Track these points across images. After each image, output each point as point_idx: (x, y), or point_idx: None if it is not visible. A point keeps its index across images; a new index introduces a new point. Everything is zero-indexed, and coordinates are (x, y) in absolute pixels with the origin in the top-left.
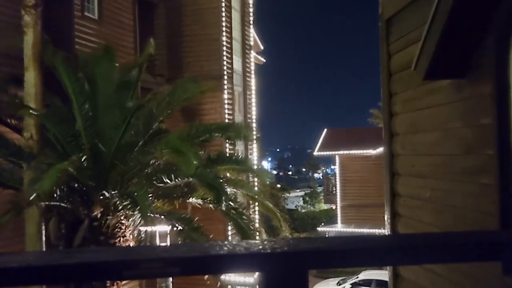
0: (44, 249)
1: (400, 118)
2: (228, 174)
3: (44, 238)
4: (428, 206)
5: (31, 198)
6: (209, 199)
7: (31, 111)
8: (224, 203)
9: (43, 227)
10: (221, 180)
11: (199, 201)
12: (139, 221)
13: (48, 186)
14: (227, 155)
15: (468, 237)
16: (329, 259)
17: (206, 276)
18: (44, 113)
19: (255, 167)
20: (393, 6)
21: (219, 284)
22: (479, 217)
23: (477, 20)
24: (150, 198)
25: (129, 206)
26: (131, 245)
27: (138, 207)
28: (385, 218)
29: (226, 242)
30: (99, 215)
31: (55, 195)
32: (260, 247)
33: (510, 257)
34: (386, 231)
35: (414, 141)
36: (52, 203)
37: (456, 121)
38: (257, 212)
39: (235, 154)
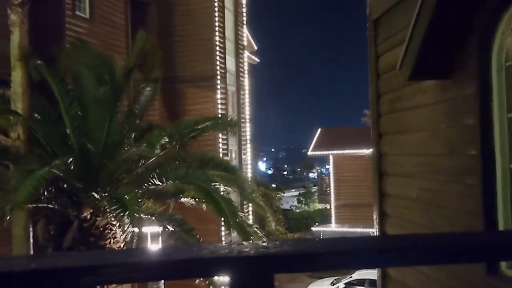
0: (31, 251)
1: (388, 118)
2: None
3: (32, 240)
4: (416, 206)
5: (6, 208)
6: (205, 204)
7: (14, 113)
8: (228, 214)
9: (31, 229)
10: (214, 180)
11: (191, 201)
12: (127, 225)
13: (26, 193)
14: (220, 160)
15: (453, 239)
16: (297, 263)
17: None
18: (31, 114)
19: (249, 171)
20: (380, 6)
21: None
22: (464, 217)
23: (460, 21)
24: (140, 199)
25: (118, 210)
26: (121, 246)
27: (127, 212)
28: (374, 217)
29: (192, 246)
30: (88, 216)
31: (42, 197)
32: (227, 250)
33: (494, 258)
34: (375, 231)
35: (401, 141)
36: (40, 204)
37: (441, 121)
38: (251, 213)
39: (226, 160)
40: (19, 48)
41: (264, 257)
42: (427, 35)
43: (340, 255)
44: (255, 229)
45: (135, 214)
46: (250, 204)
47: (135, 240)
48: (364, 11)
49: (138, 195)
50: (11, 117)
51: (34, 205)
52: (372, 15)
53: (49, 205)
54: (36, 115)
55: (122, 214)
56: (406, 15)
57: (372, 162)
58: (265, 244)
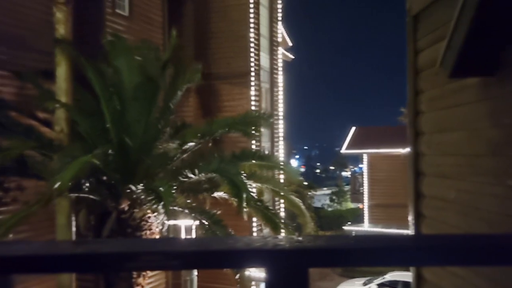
0: (73, 239)
1: (426, 116)
2: (255, 170)
3: (74, 229)
4: (453, 207)
5: (54, 187)
6: (231, 195)
7: (60, 105)
8: (244, 201)
9: (73, 218)
10: (245, 175)
11: (224, 195)
12: (162, 216)
13: (69, 177)
14: (251, 150)
15: (492, 240)
16: (331, 258)
17: (230, 271)
18: (74, 107)
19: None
20: (421, 1)
21: (238, 277)
22: (505, 220)
23: (505, 16)
24: (174, 192)
25: (153, 201)
26: (156, 237)
27: (162, 202)
28: (409, 218)
29: (229, 238)
30: (126, 208)
31: (84, 187)
32: (262, 243)
33: None
34: (410, 231)
35: (439, 141)
36: (81, 195)
37: (483, 120)
38: (282, 210)
39: (257, 150)
40: (63, 44)
41: (299, 251)
42: (470, 30)
43: (374, 252)
44: (282, 220)
45: (169, 205)
46: (282, 201)
47: (169, 232)
48: (403, 6)
49: (172, 188)
50: (56, 111)
51: (76, 195)
52: (411, 11)
53: (90, 196)
54: (78, 109)
55: (157, 205)
56: (448, 10)
57: (408, 161)
58: (299, 238)
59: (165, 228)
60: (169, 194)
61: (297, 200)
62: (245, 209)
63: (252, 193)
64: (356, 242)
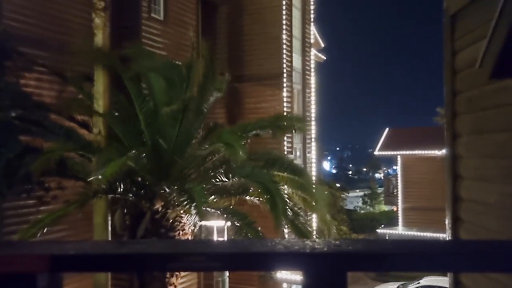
0: (110, 238)
1: (464, 118)
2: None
3: (110, 228)
4: (494, 212)
5: (91, 189)
6: (264, 201)
7: (98, 111)
8: (281, 213)
9: (109, 218)
10: (277, 181)
11: (255, 199)
12: (194, 216)
13: (109, 174)
14: (285, 159)
15: None
16: (370, 262)
17: (261, 273)
18: (110, 112)
19: (313, 168)
20: (458, 1)
21: (265, 278)
22: None
23: None
24: (206, 193)
25: (185, 202)
26: (189, 238)
27: (194, 203)
28: (446, 222)
29: (268, 240)
30: (160, 209)
31: (119, 189)
32: (301, 246)
33: None
34: (447, 236)
35: (479, 143)
36: (117, 195)
37: None
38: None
39: (291, 160)
40: (102, 49)
41: (337, 254)
42: (511, 31)
43: (413, 257)
44: (307, 228)
45: (202, 206)
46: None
47: (202, 233)
48: (439, 6)
49: (205, 190)
50: (93, 114)
51: (112, 196)
52: (449, 10)
53: (125, 197)
54: (115, 112)
55: (189, 206)
56: (487, 10)
57: (445, 164)
58: (337, 242)
59: (198, 228)
60: (201, 196)
61: (324, 213)
62: (283, 222)
63: (288, 204)
64: (394, 247)
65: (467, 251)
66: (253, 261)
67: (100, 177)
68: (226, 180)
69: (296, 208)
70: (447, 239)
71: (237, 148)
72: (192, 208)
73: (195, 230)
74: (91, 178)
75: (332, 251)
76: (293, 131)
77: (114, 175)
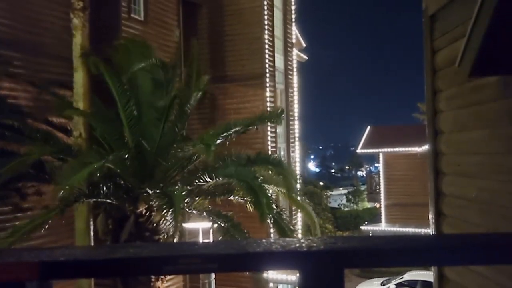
0: (92, 243)
1: (445, 116)
2: (271, 174)
3: (92, 233)
4: (475, 206)
5: (60, 194)
6: (248, 199)
7: (77, 111)
8: (265, 208)
9: (91, 222)
10: (261, 179)
11: (240, 199)
12: (171, 220)
13: (75, 183)
14: (266, 155)
15: None
16: (366, 259)
17: (247, 274)
18: (91, 112)
19: (297, 167)
20: (437, 1)
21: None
22: None
23: None
24: (190, 196)
25: (164, 206)
26: (174, 241)
27: (172, 208)
28: (430, 217)
29: (264, 240)
30: (144, 212)
31: (102, 193)
32: (297, 245)
33: None
34: (430, 231)
35: (459, 140)
36: (99, 199)
37: (504, 119)
38: (299, 214)
39: (273, 155)
40: (81, 50)
41: (333, 252)
42: (488, 30)
43: (407, 252)
44: (290, 227)
45: (180, 210)
46: (299, 210)
47: (186, 235)
48: (418, 6)
49: (188, 192)
50: (75, 116)
51: (94, 200)
52: (428, 10)
53: (108, 200)
54: (95, 114)
55: (167, 210)
56: (465, 9)
57: (427, 160)
58: (333, 240)
59: (180, 231)
60: (180, 201)
61: (309, 208)
62: (268, 215)
63: (272, 200)
64: (388, 243)
65: (452, 245)
66: (249, 262)
67: (67, 187)
68: (210, 180)
69: (279, 208)
70: (431, 233)
71: (210, 145)
72: (170, 212)
73: (175, 233)
74: (59, 186)
75: (328, 249)
76: (271, 124)
77: (84, 183)
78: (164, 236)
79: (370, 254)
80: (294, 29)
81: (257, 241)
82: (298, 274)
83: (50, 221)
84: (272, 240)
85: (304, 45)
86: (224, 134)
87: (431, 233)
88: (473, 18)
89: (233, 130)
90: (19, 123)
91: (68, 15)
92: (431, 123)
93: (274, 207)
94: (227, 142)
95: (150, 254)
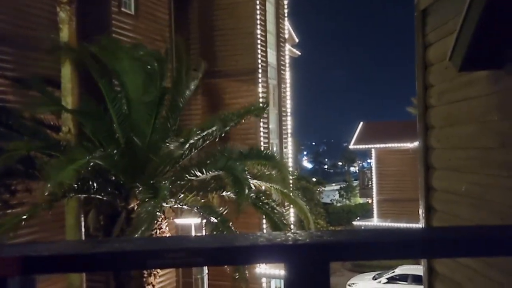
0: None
1: (436, 110)
2: (264, 170)
3: (83, 230)
4: (465, 200)
5: (47, 188)
6: (232, 190)
7: (64, 107)
8: (246, 196)
9: (83, 218)
10: (253, 174)
11: (231, 195)
12: (156, 211)
13: (61, 180)
14: (258, 150)
15: (505, 231)
16: (352, 252)
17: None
18: (79, 108)
19: (290, 163)
20: None
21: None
22: None
23: None
24: (182, 191)
25: (148, 197)
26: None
27: (156, 198)
28: (420, 212)
29: (250, 234)
30: (135, 207)
31: (92, 188)
32: (283, 238)
33: None
34: (421, 225)
35: (450, 134)
36: (90, 195)
37: (493, 113)
38: (292, 209)
39: (265, 150)
40: (68, 44)
41: (319, 245)
42: (479, 25)
43: (393, 245)
44: (283, 221)
45: (161, 201)
46: (292, 205)
47: (178, 231)
48: (411, 0)
49: (179, 186)
50: (61, 111)
51: (85, 196)
52: (420, 5)
53: (98, 196)
54: (84, 110)
55: (151, 201)
56: (456, 4)
57: (418, 155)
58: (319, 233)
59: (174, 226)
60: (163, 190)
61: (301, 202)
62: (245, 202)
63: (253, 189)
64: (375, 236)
65: (445, 237)
66: (235, 255)
67: (54, 183)
68: (200, 174)
69: (272, 202)
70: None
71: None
72: (153, 202)
73: (166, 228)
74: (47, 186)
75: (314, 242)
76: (262, 119)
77: (73, 177)
78: (156, 232)
79: (355, 247)
80: (287, 24)
81: (244, 235)
82: (284, 268)
83: (40, 218)
84: (258, 234)
85: (296, 40)
86: (206, 133)
87: (423, 227)
88: (464, 12)
89: (214, 128)
90: (7, 119)
91: (55, 8)
92: (422, 118)
93: (266, 201)
94: (217, 139)
95: (134, 248)
